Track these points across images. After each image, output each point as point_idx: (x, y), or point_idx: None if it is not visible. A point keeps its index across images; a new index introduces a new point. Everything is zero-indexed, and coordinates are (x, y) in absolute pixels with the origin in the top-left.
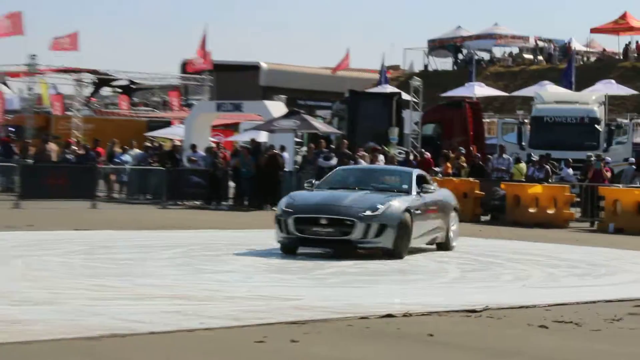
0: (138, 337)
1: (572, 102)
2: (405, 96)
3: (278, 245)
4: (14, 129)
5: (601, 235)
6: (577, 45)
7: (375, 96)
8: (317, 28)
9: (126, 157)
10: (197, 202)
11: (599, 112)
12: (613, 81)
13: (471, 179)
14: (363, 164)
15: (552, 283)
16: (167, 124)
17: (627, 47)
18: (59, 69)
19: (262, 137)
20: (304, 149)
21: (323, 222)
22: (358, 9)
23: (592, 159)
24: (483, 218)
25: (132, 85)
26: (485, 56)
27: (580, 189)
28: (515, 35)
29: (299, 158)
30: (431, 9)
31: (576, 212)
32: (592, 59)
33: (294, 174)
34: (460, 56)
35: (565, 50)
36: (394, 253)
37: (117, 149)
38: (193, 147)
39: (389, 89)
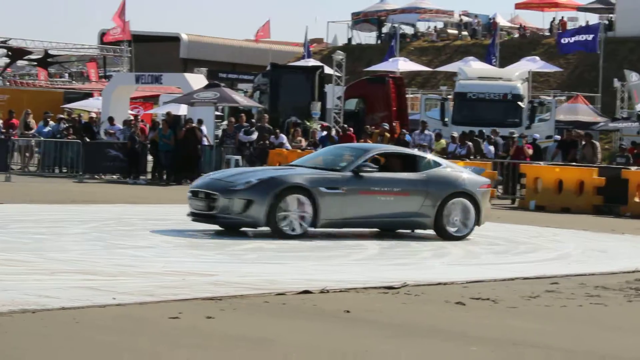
0: (49, 312)
1: (496, 79)
2: (328, 70)
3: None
4: None
5: (522, 213)
6: (501, 21)
7: (298, 70)
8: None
9: (48, 130)
10: (115, 176)
11: (523, 89)
12: (537, 58)
13: None
14: (284, 140)
15: (471, 260)
16: (84, 95)
17: (552, 24)
18: None
19: (182, 110)
20: (225, 122)
21: (200, 195)
22: None
23: (515, 135)
24: None
25: (48, 59)
26: (409, 31)
27: (501, 166)
28: (440, 10)
29: (219, 132)
30: None
31: (497, 189)
32: (516, 35)
33: (214, 148)
34: (384, 30)
35: (490, 26)
36: (272, 231)
37: (31, 120)
38: (111, 120)
39: (312, 62)
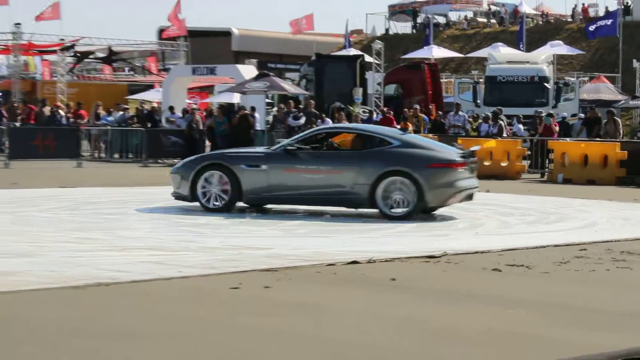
0: (120, 285)
1: (523, 62)
2: (368, 58)
3: None
4: (1, 94)
5: (551, 186)
6: (527, 9)
7: (340, 59)
8: None
9: (110, 119)
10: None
11: (548, 71)
12: (561, 42)
13: (430, 135)
14: (330, 123)
15: (505, 230)
16: (146, 87)
17: (574, 10)
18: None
19: (235, 98)
20: (275, 109)
21: None
22: None
23: (543, 114)
24: None
25: (112, 56)
26: (442, 20)
27: (531, 143)
28: (470, 0)
29: (270, 118)
30: None
31: (527, 164)
32: (541, 21)
33: (266, 133)
34: (418, 20)
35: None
36: (193, 201)
37: (102, 111)
38: (171, 109)
39: (353, 52)
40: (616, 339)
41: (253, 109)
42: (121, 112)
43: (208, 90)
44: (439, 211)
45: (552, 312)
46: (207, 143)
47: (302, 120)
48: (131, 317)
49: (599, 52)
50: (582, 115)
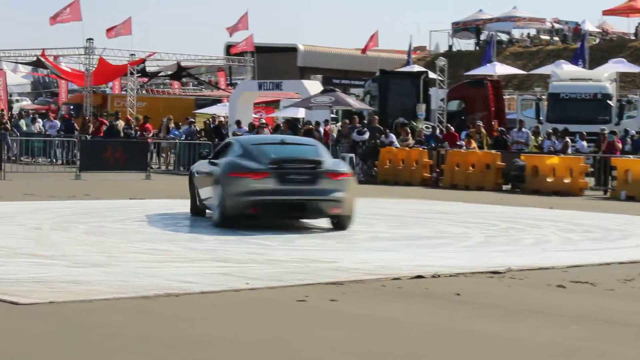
0: (190, 296)
1: (586, 80)
2: (431, 75)
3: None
4: (72, 107)
5: (614, 203)
6: (589, 27)
7: (404, 75)
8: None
9: (178, 132)
10: None
11: (611, 88)
12: (624, 60)
13: (493, 152)
14: (393, 139)
15: (569, 246)
16: (213, 101)
17: (637, 28)
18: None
19: (300, 113)
20: (339, 124)
21: None
22: None
23: (606, 132)
24: (504, 187)
25: (181, 72)
26: (505, 37)
27: (594, 160)
28: (533, 18)
29: (334, 133)
30: None
31: (590, 181)
32: (604, 39)
33: (330, 147)
34: (482, 37)
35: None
36: None
37: (172, 125)
38: (238, 123)
39: (417, 68)
40: None
41: (317, 124)
42: (188, 126)
43: (274, 105)
44: (505, 227)
45: (616, 329)
46: None
47: (366, 135)
48: (201, 327)
49: None
50: None
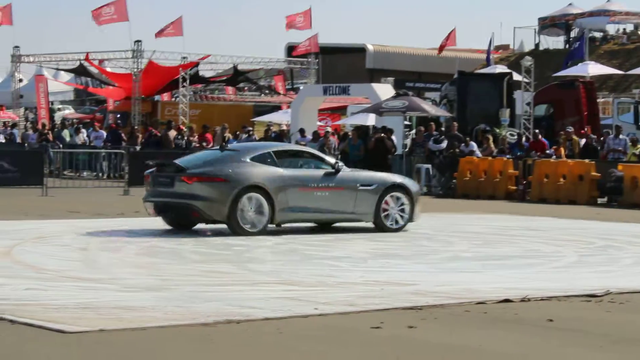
0: (253, 323)
1: None
2: (516, 76)
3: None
4: (119, 115)
5: None
6: None
7: (485, 77)
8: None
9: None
10: None
11: None
12: None
13: (587, 161)
14: (474, 147)
15: None
16: (273, 108)
17: None
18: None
19: (370, 120)
20: (413, 131)
21: None
22: None
23: None
24: (599, 201)
25: (237, 76)
26: (599, 34)
27: None
28: (630, 12)
29: (408, 141)
30: None
31: None
32: None
33: (404, 157)
34: (572, 34)
35: None
36: None
37: (228, 134)
38: (301, 132)
39: (499, 69)
40: None
41: (391, 131)
42: (247, 136)
43: (340, 111)
44: (601, 245)
45: None
46: None
47: (444, 144)
48: (265, 357)
49: None
50: None
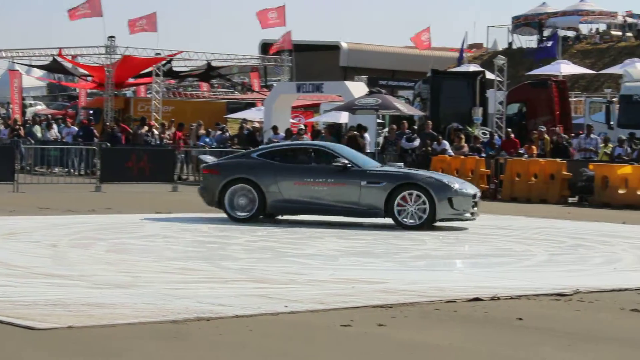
0: (223, 320)
1: None
2: (489, 75)
3: (362, 228)
4: (92, 112)
5: None
6: None
7: (458, 75)
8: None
9: (209, 140)
10: None
11: None
12: None
13: (558, 160)
14: (447, 146)
15: None
16: (246, 105)
17: None
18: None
19: (343, 118)
20: (386, 130)
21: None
22: None
23: None
24: (570, 200)
25: (210, 72)
26: (571, 33)
27: None
28: (603, 11)
29: (380, 139)
30: None
31: None
32: None
33: (376, 156)
34: (545, 33)
35: None
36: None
37: (203, 131)
38: (274, 129)
39: (473, 68)
40: None
41: (365, 129)
42: (220, 132)
43: (313, 109)
44: (572, 244)
45: None
46: None
47: (417, 143)
48: (235, 354)
49: None
50: None
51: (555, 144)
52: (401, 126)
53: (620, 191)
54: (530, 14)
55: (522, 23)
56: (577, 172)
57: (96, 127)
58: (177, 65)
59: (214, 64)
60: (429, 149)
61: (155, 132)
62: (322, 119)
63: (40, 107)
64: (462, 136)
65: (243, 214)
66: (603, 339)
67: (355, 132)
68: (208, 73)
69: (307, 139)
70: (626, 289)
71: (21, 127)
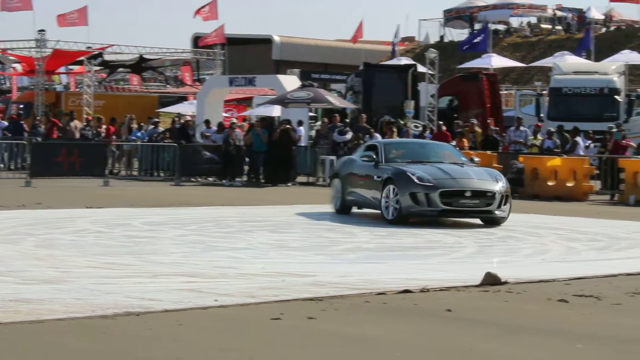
0: (152, 315)
1: (591, 73)
2: (421, 68)
3: (294, 222)
4: (22, 106)
5: (622, 208)
6: (595, 14)
7: (390, 69)
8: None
9: (141, 134)
10: (211, 179)
11: (619, 82)
12: (633, 51)
13: (488, 152)
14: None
15: (572, 257)
16: (179, 99)
17: None
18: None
19: (276, 111)
20: (318, 123)
21: (467, 194)
22: None
23: (613, 130)
24: None
25: (142, 64)
26: (502, 27)
27: (599, 161)
28: (533, 5)
29: (313, 133)
30: None
31: (596, 184)
32: (612, 28)
33: (309, 149)
34: (476, 27)
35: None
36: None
37: (135, 125)
38: (207, 123)
39: (404, 61)
40: None
41: (300, 122)
42: (152, 126)
43: (246, 102)
44: (500, 235)
45: (624, 348)
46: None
47: (349, 136)
48: (164, 349)
49: None
50: None
51: (486, 137)
52: (333, 119)
53: (550, 183)
54: (461, 7)
55: (453, 16)
56: (508, 164)
57: (26, 122)
58: (109, 60)
59: (146, 57)
60: (361, 142)
61: (90, 125)
62: (254, 113)
63: None
64: (394, 129)
65: None
66: (530, 330)
67: (288, 126)
68: (140, 65)
69: (238, 133)
70: (554, 280)
71: None
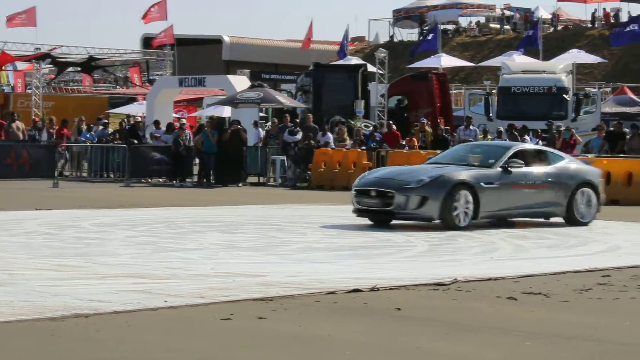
0: (101, 316)
1: (540, 72)
2: (371, 68)
3: (245, 222)
4: None
5: None
6: (543, 14)
7: (340, 69)
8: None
9: (90, 135)
10: (161, 180)
11: (567, 81)
12: (581, 50)
13: (438, 152)
14: (330, 139)
15: (521, 255)
16: (128, 100)
17: (594, 15)
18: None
19: (226, 112)
20: (269, 124)
21: (372, 194)
22: None
23: (562, 128)
24: None
25: (92, 63)
26: (451, 27)
27: None
28: (482, 5)
29: (263, 133)
30: None
31: None
32: (560, 27)
33: (259, 149)
34: (426, 27)
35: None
36: (444, 224)
37: (84, 126)
38: (157, 124)
39: (354, 61)
40: None
41: (256, 124)
42: (101, 127)
43: (196, 103)
44: (449, 234)
45: (572, 345)
46: (197, 161)
47: (299, 136)
48: (113, 350)
49: (622, 60)
50: (611, 129)
51: (436, 136)
52: (283, 119)
53: None
54: (410, 7)
55: (402, 16)
56: None
57: None
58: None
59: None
60: (312, 142)
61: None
62: (204, 113)
63: None
64: (345, 129)
65: None
66: (480, 328)
67: (239, 126)
68: (89, 64)
69: (188, 133)
70: (503, 278)
71: None
